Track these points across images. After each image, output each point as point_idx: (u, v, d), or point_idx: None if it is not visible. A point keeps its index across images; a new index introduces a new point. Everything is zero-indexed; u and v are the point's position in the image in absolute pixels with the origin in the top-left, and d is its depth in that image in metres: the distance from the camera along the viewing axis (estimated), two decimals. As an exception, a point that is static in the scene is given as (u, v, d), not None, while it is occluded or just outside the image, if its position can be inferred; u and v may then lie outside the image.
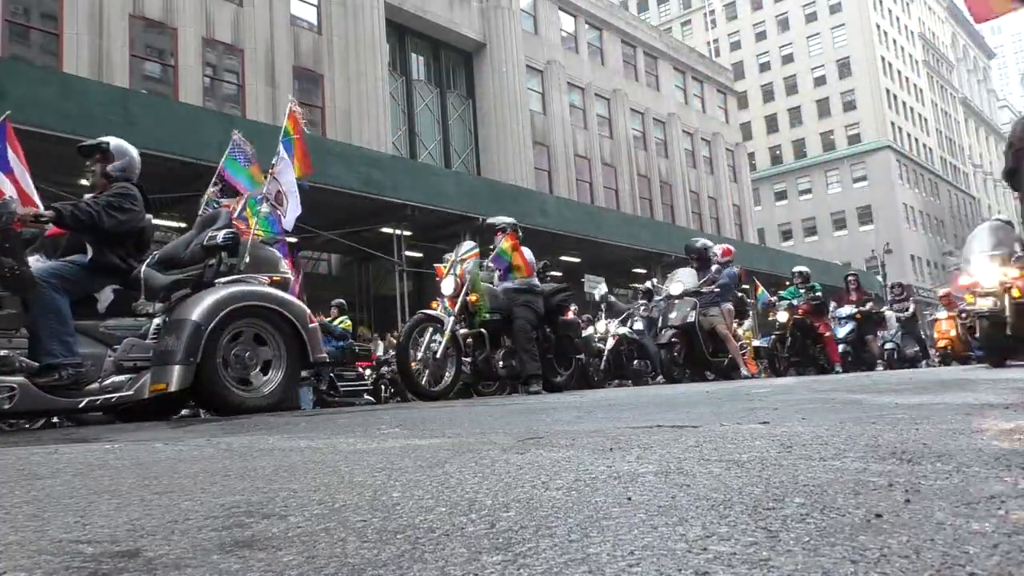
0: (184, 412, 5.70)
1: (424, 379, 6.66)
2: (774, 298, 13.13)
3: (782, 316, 11.91)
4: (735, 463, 1.70)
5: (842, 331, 13.31)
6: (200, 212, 6.78)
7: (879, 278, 36.38)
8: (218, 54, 19.33)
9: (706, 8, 64.63)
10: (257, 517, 1.32)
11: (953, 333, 12.34)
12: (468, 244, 8.09)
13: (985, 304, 7.63)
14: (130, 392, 4.34)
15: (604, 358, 11.09)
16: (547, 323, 7.87)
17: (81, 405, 4.22)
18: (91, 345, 4.37)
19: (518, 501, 1.36)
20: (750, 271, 28.87)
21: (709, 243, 10.65)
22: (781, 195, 61.28)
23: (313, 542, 1.11)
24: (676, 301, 9.64)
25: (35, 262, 4.41)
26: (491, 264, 7.78)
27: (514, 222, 8.31)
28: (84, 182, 13.66)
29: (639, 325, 12.06)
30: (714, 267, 9.72)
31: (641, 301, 12.81)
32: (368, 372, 12.73)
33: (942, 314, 13.58)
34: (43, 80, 12.45)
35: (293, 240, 13.45)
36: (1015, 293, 7.40)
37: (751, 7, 64.34)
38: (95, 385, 4.30)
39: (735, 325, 10.34)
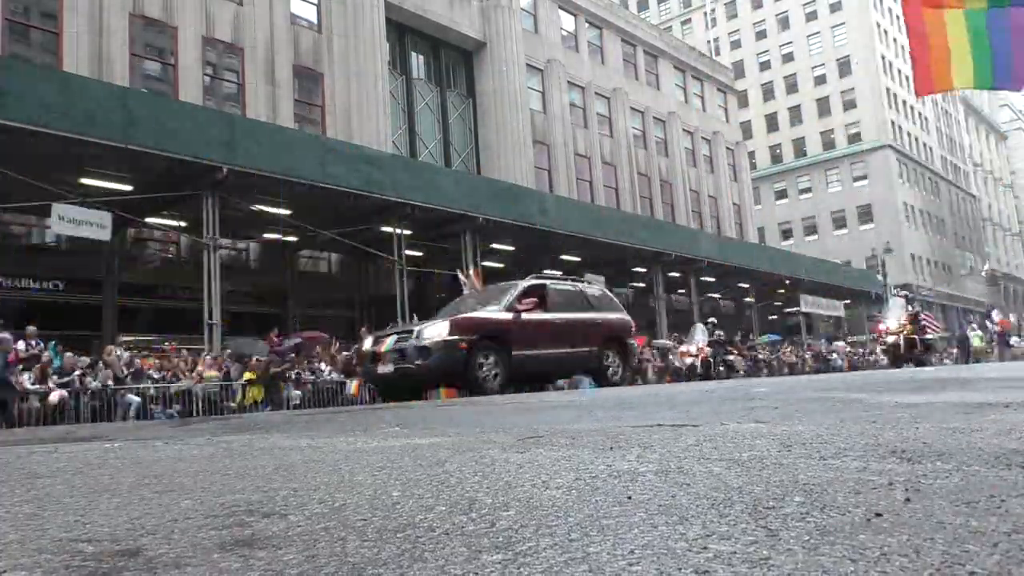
0: None
1: None
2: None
3: None
4: (735, 462, 1.70)
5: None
6: None
7: (880, 277, 36.37)
8: (218, 53, 19.31)
9: (706, 7, 64.58)
10: (257, 516, 1.32)
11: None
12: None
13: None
14: None
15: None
16: None
17: None
18: None
19: (518, 500, 1.36)
20: (749, 270, 28.92)
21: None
22: (781, 194, 61.22)
23: (313, 541, 1.11)
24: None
25: None
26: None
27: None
28: (84, 181, 13.69)
29: None
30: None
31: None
32: None
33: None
34: (43, 78, 12.43)
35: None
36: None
37: (751, 6, 64.26)
38: None
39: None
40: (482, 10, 26.73)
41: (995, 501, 1.18)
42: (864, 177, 57.86)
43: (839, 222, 58.36)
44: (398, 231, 17.00)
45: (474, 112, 27.06)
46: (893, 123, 59.14)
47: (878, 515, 1.11)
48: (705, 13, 64.36)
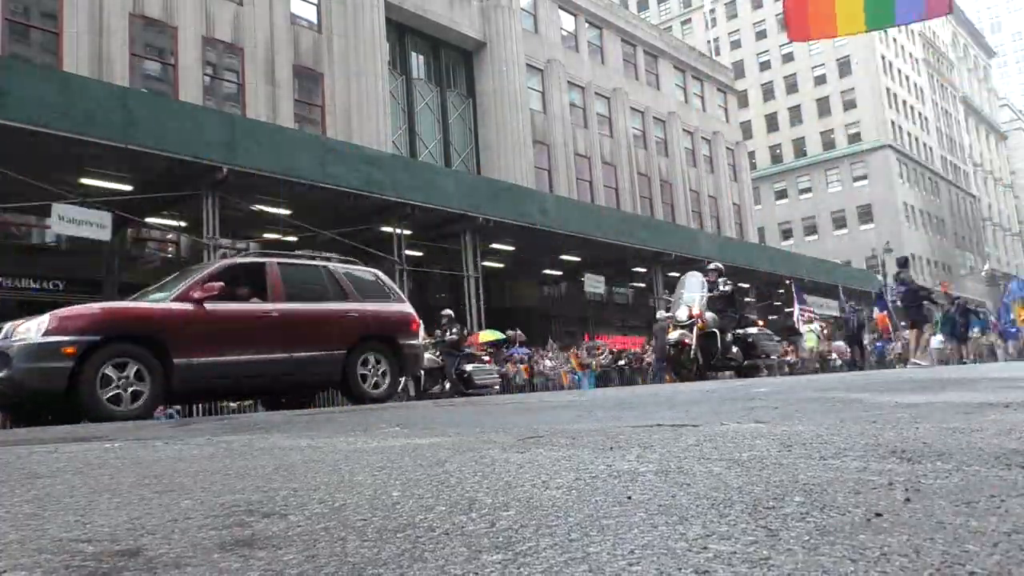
0: None
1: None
2: None
3: None
4: (735, 462, 1.70)
5: None
6: None
7: (880, 277, 36.36)
8: (218, 53, 19.31)
9: (706, 7, 64.58)
10: (257, 516, 1.32)
11: None
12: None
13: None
14: None
15: None
16: None
17: None
18: None
19: (518, 500, 1.36)
20: (750, 270, 28.94)
21: None
22: (781, 194, 61.25)
23: (313, 541, 1.11)
24: None
25: None
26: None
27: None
28: (84, 181, 13.67)
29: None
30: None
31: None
32: None
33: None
34: (43, 78, 12.43)
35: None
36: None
37: (751, 6, 64.26)
38: None
39: None
40: (482, 10, 26.72)
41: (995, 501, 1.18)
42: (864, 177, 57.88)
43: (839, 222, 58.38)
44: (398, 231, 17.01)
45: (474, 112, 27.06)
46: (893, 123, 59.15)
47: (878, 515, 1.11)
48: (705, 13, 64.33)
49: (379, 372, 7.69)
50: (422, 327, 8.86)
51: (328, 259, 8.16)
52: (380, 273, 8.64)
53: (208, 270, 7.02)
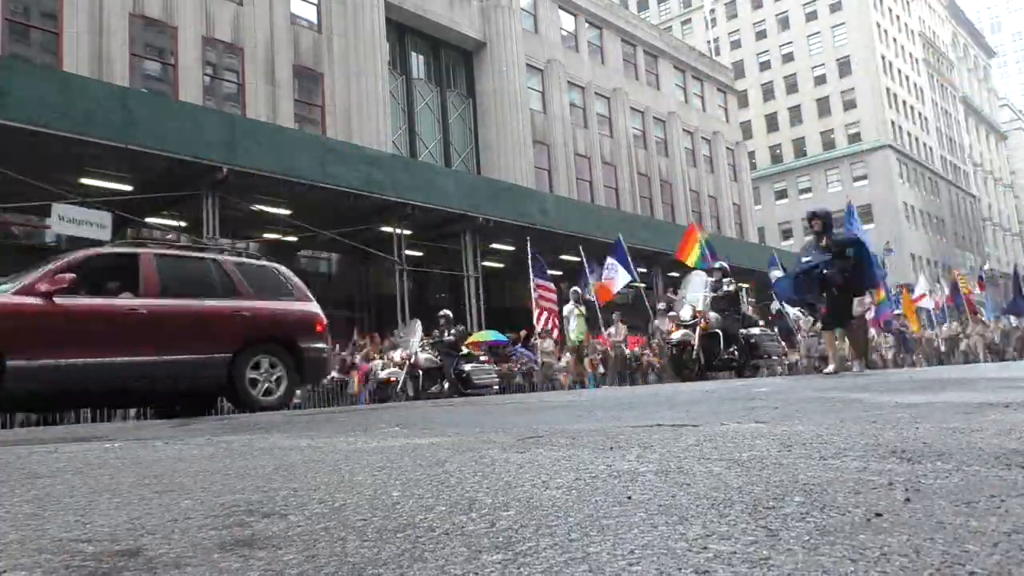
0: None
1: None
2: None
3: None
4: (735, 462, 1.70)
5: None
6: None
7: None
8: (218, 53, 19.30)
9: (706, 7, 64.58)
10: (257, 516, 1.32)
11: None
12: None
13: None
14: None
15: None
16: None
17: None
18: None
19: (518, 500, 1.36)
20: (751, 271, 28.92)
21: None
22: (781, 194, 61.26)
23: (313, 541, 1.11)
24: None
25: None
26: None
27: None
28: (84, 181, 13.67)
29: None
30: None
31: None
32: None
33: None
34: (43, 78, 12.44)
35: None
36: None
37: (751, 6, 64.27)
38: None
39: None
40: (482, 10, 26.72)
41: (995, 501, 1.18)
42: (864, 177, 57.90)
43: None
44: (398, 231, 17.01)
45: (474, 112, 27.05)
46: (893, 123, 59.16)
47: (878, 515, 1.11)
48: (705, 13, 64.32)
49: (272, 378, 6.84)
50: (328, 329, 7.87)
51: (222, 251, 7.45)
52: (282, 268, 7.84)
53: (66, 259, 6.21)
